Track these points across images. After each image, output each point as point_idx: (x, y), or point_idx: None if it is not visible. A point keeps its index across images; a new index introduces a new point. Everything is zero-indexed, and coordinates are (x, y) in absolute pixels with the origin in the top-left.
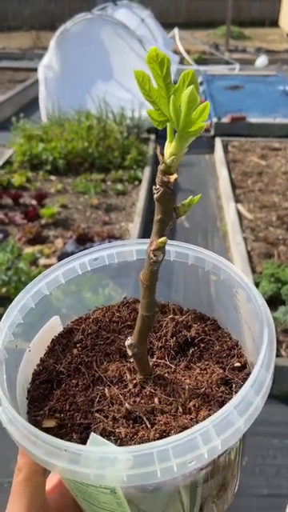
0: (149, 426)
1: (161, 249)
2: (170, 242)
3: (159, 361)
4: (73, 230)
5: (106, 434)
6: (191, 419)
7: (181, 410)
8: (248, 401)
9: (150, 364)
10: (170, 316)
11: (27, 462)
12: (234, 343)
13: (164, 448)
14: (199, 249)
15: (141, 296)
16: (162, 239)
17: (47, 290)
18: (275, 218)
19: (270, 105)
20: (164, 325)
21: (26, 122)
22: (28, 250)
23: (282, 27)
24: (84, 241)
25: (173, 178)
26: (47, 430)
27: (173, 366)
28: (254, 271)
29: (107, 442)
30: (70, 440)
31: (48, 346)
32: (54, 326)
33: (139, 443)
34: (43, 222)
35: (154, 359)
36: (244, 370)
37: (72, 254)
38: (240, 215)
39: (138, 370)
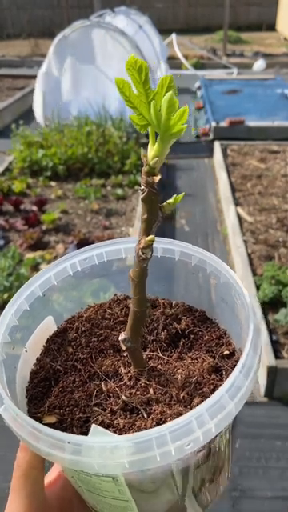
0: (145, 415)
1: (149, 246)
2: (168, 240)
3: (152, 353)
4: (73, 235)
5: (104, 426)
6: (185, 406)
7: (175, 398)
8: (238, 385)
9: (144, 357)
10: (160, 310)
11: (26, 459)
12: (222, 332)
13: (162, 433)
14: (185, 244)
15: (131, 293)
16: (150, 237)
17: (40, 291)
18: (275, 220)
19: (269, 108)
20: (155, 319)
21: (26, 128)
22: (29, 255)
23: (280, 31)
24: (85, 246)
25: (157, 178)
26: (48, 426)
27: (165, 358)
28: (254, 274)
29: (107, 431)
30: (71, 434)
31: (44, 346)
32: (48, 326)
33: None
34: (44, 227)
35: (147, 352)
36: (233, 357)
37: None
38: (240, 218)
39: (132, 363)
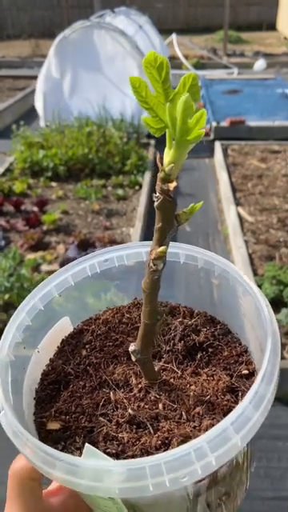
0: (152, 432)
1: (161, 258)
2: (179, 244)
3: (166, 365)
4: (74, 235)
5: (108, 439)
6: (194, 427)
7: (185, 417)
8: (246, 416)
9: (157, 368)
10: (179, 319)
11: (22, 467)
12: (244, 349)
13: (156, 463)
14: (205, 251)
15: (143, 303)
16: (162, 248)
17: (56, 292)
18: (276, 220)
19: (269, 108)
20: (173, 328)
21: (27, 129)
22: (30, 256)
23: (280, 30)
24: (86, 246)
25: (172, 186)
26: (51, 432)
27: (179, 372)
28: (255, 274)
29: (101, 453)
30: (72, 443)
31: (58, 347)
32: (63, 327)
33: (141, 449)
34: (45, 228)
35: (162, 363)
36: (252, 377)
37: (74, 259)
38: (241, 218)
39: (143, 374)
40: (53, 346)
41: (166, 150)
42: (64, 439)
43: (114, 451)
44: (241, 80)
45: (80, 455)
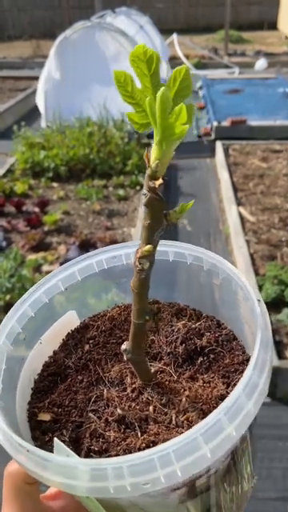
0: (139, 434)
1: (146, 257)
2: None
3: (164, 367)
4: (75, 236)
5: (95, 436)
6: (181, 434)
7: (174, 422)
8: (219, 426)
9: (155, 369)
10: (183, 322)
11: (17, 470)
12: (246, 358)
13: (118, 466)
14: (197, 248)
15: (132, 303)
16: (147, 247)
17: (62, 286)
18: (277, 220)
19: (270, 107)
20: (176, 330)
21: (28, 130)
22: (31, 256)
23: (281, 30)
24: (87, 247)
25: (158, 183)
26: (41, 423)
27: (175, 376)
28: (257, 274)
29: (68, 450)
30: (59, 436)
31: (63, 339)
32: (70, 321)
33: (124, 450)
34: (46, 228)
35: (160, 364)
36: None
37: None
38: (242, 218)
39: (137, 374)
40: (58, 338)
41: (153, 146)
42: (52, 431)
43: (97, 449)
44: (242, 80)
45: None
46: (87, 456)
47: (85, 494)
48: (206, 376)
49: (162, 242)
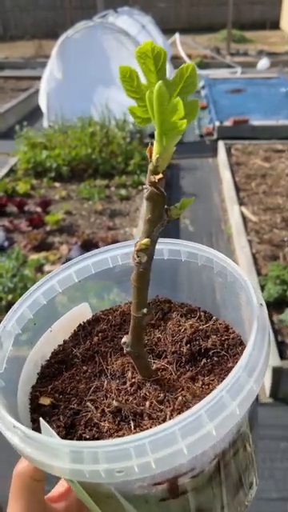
0: (132, 427)
1: (143, 250)
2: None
3: (167, 365)
4: (77, 236)
5: (90, 424)
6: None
7: (168, 419)
8: (198, 423)
9: (157, 366)
10: (190, 322)
11: (26, 467)
12: None
13: (94, 450)
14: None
15: (132, 296)
16: (145, 241)
17: (76, 278)
18: (280, 219)
19: (273, 107)
20: (182, 330)
21: (30, 130)
22: (33, 256)
23: (284, 29)
24: (89, 247)
25: (157, 177)
26: (41, 406)
27: (176, 375)
28: (259, 274)
29: (52, 431)
30: (55, 421)
31: (74, 330)
32: (82, 312)
33: None
34: (48, 228)
35: (163, 362)
36: None
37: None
38: (244, 218)
39: (136, 369)
40: (69, 328)
41: (155, 141)
42: (50, 415)
43: (88, 437)
44: (244, 79)
45: (59, 433)
46: None
47: (62, 475)
48: (206, 378)
49: (174, 240)
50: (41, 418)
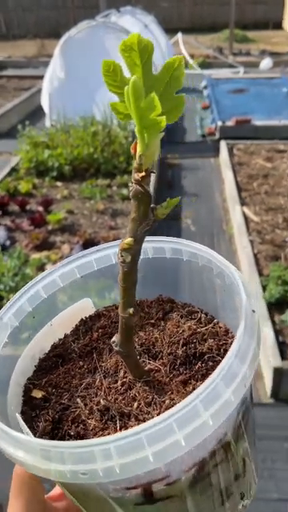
0: (118, 427)
1: (126, 249)
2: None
3: (160, 367)
4: (79, 235)
5: (77, 421)
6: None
7: None
8: (166, 431)
9: (150, 367)
10: (189, 324)
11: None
12: None
13: (60, 450)
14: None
15: (119, 296)
16: (128, 240)
17: (78, 274)
18: (281, 220)
19: (275, 107)
20: (181, 331)
21: (32, 129)
22: (35, 255)
23: (286, 29)
24: (90, 246)
25: (140, 175)
26: (32, 399)
27: (167, 378)
28: (260, 274)
29: (27, 428)
30: (44, 414)
31: (76, 325)
32: (84, 307)
33: None
34: (50, 227)
35: (158, 363)
36: None
37: None
38: (246, 218)
39: (127, 369)
40: (70, 322)
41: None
42: (40, 408)
43: (73, 433)
44: (247, 79)
45: (46, 427)
46: (62, 439)
47: (32, 472)
48: (198, 383)
49: (177, 240)
50: (17, 414)
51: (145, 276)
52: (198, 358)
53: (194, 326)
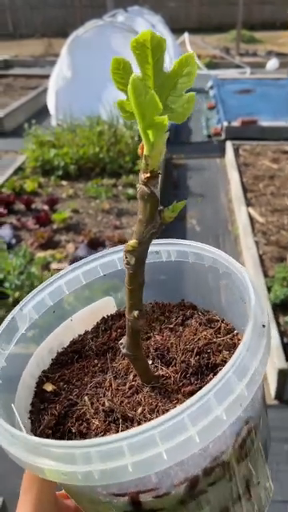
0: (119, 430)
1: (130, 252)
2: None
3: (171, 374)
4: (84, 234)
5: (81, 419)
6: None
7: None
8: (148, 441)
9: (161, 373)
10: (205, 333)
11: None
12: None
13: (47, 448)
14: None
15: (126, 298)
16: (132, 242)
17: (101, 272)
18: (287, 221)
19: (282, 108)
20: (196, 339)
21: (38, 128)
22: (40, 254)
23: None
24: (95, 245)
25: (145, 175)
26: (44, 392)
27: (176, 386)
28: (265, 275)
29: (19, 422)
30: (52, 408)
31: (97, 322)
32: (106, 306)
33: None
34: (55, 226)
35: (170, 370)
36: None
37: (83, 258)
38: (251, 219)
39: (136, 373)
40: (90, 320)
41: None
42: (49, 401)
43: (74, 431)
44: (253, 80)
45: (50, 421)
46: (63, 435)
47: (25, 467)
48: None
49: (180, 241)
50: (12, 405)
51: (167, 280)
52: (211, 370)
53: (210, 336)
